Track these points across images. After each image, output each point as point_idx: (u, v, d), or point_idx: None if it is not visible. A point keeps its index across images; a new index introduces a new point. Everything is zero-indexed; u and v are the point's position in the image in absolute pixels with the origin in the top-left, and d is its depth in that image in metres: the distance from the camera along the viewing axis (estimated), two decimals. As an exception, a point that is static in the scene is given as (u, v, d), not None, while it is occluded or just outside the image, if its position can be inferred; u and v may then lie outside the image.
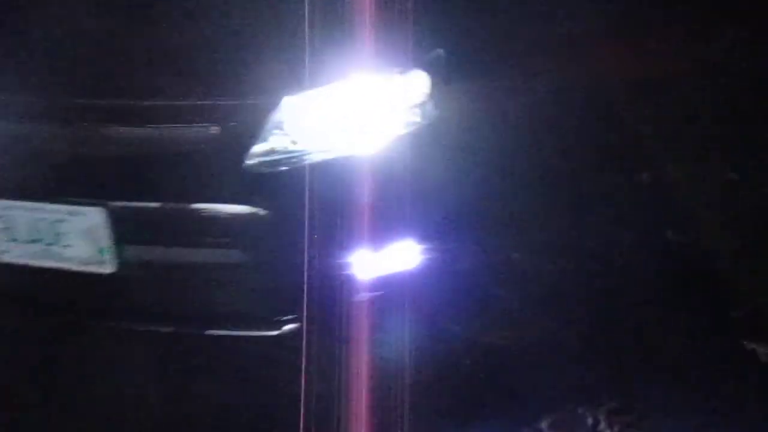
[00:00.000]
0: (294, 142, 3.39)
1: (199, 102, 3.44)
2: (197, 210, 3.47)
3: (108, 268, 3.35)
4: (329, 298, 3.29)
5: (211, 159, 3.45)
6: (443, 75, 3.48)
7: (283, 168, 3.39)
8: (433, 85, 3.45)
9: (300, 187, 3.32)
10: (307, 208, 3.30)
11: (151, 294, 3.49)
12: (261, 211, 3.47)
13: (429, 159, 3.47)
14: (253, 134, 3.42)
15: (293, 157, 3.40)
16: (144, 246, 3.45)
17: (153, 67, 3.53)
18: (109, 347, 3.53)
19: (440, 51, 3.43)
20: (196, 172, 3.46)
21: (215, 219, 3.46)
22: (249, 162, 3.45)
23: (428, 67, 3.44)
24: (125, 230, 3.43)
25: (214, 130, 3.43)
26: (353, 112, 3.35)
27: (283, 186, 3.37)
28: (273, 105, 3.32)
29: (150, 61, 3.54)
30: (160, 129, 3.44)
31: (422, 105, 3.44)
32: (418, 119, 3.42)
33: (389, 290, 3.33)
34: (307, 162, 3.35)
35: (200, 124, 3.42)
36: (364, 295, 3.33)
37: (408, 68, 3.41)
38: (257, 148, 3.43)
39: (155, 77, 3.51)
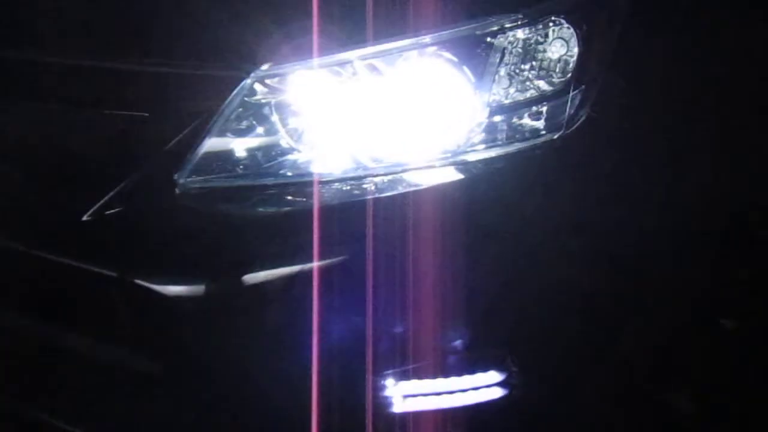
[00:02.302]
0: (280, 152, 1.93)
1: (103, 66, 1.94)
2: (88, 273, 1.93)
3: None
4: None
5: (120, 172, 1.92)
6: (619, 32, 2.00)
7: (257, 201, 1.92)
8: (588, 54, 1.97)
9: (297, 242, 1.88)
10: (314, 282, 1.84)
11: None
12: (205, 285, 1.89)
13: (564, 209, 1.97)
14: (198, 128, 1.91)
15: (283, 183, 1.92)
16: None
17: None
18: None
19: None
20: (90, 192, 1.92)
21: (112, 288, 1.92)
22: (183, 181, 1.90)
23: (579, 16, 1.97)
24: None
25: (128, 121, 1.93)
26: (409, 106, 1.94)
27: (259, 237, 1.92)
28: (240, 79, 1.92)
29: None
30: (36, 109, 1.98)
31: (557, 98, 1.97)
32: (541, 127, 1.97)
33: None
34: (311, 194, 1.91)
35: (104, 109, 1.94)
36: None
37: (527, 18, 1.95)
38: (206, 148, 1.91)
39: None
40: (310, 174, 1.89)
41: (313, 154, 1.90)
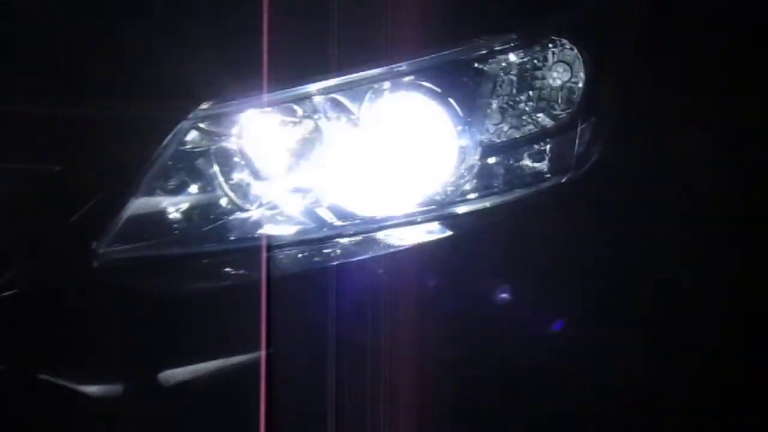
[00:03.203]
0: (222, 211, 1.69)
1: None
2: None
3: None
4: None
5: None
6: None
7: (194, 274, 1.69)
8: (597, 80, 1.77)
9: (243, 324, 1.64)
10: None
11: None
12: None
13: (576, 269, 1.75)
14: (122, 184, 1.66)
15: (226, 250, 1.68)
16: None
17: None
18: None
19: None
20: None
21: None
22: (102, 250, 1.66)
23: (583, 35, 1.79)
24: None
25: (33, 176, 1.67)
26: (383, 149, 1.74)
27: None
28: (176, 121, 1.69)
29: None
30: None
31: (562, 133, 1.76)
32: (545, 169, 1.77)
33: None
34: (261, 263, 1.67)
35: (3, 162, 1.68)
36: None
37: (522, 40, 1.76)
38: (133, 210, 1.67)
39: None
40: (260, 238, 1.65)
41: (262, 212, 1.65)
